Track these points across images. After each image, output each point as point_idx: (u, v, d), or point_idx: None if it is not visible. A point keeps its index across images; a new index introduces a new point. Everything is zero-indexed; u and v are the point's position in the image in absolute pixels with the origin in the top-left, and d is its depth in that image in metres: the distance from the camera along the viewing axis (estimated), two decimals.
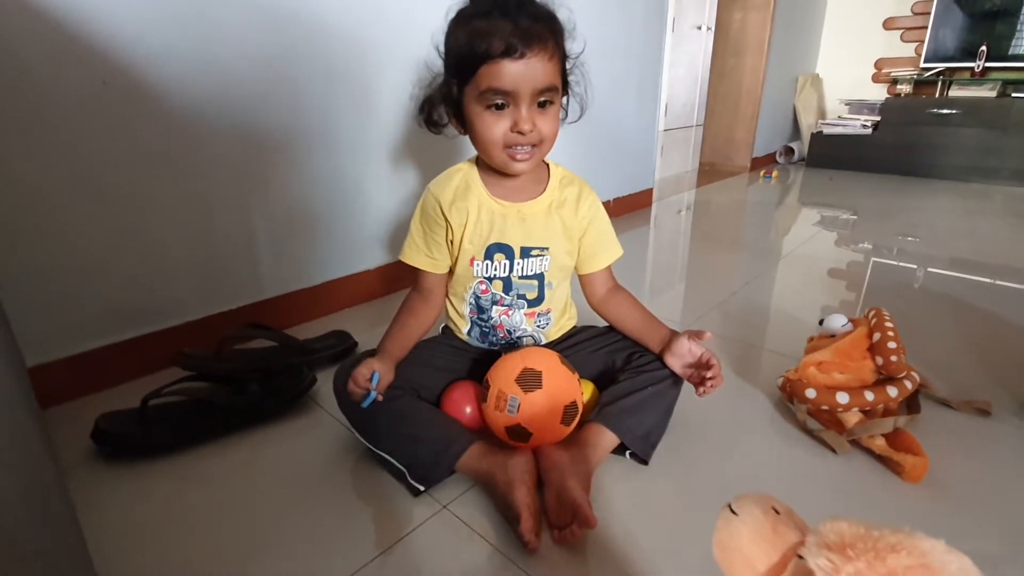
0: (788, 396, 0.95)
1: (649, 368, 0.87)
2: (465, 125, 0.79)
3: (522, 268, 0.87)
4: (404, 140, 1.42)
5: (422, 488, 0.76)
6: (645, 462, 0.82)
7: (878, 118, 3.50)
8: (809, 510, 0.41)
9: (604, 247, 0.92)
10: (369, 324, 1.31)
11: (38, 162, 0.90)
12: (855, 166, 3.52)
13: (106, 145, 0.96)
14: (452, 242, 0.87)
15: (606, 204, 0.92)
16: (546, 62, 0.72)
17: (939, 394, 0.99)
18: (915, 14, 3.57)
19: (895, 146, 3.40)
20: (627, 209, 2.41)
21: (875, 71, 3.82)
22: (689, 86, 3.46)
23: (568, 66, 0.79)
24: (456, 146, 1.47)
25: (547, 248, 0.87)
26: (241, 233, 1.18)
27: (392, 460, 0.78)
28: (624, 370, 0.89)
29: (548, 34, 0.72)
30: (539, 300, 0.90)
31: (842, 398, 0.87)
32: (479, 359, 0.94)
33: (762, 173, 3.40)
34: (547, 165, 0.89)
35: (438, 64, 0.79)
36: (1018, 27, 3.13)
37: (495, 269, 0.87)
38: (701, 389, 0.83)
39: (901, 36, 3.67)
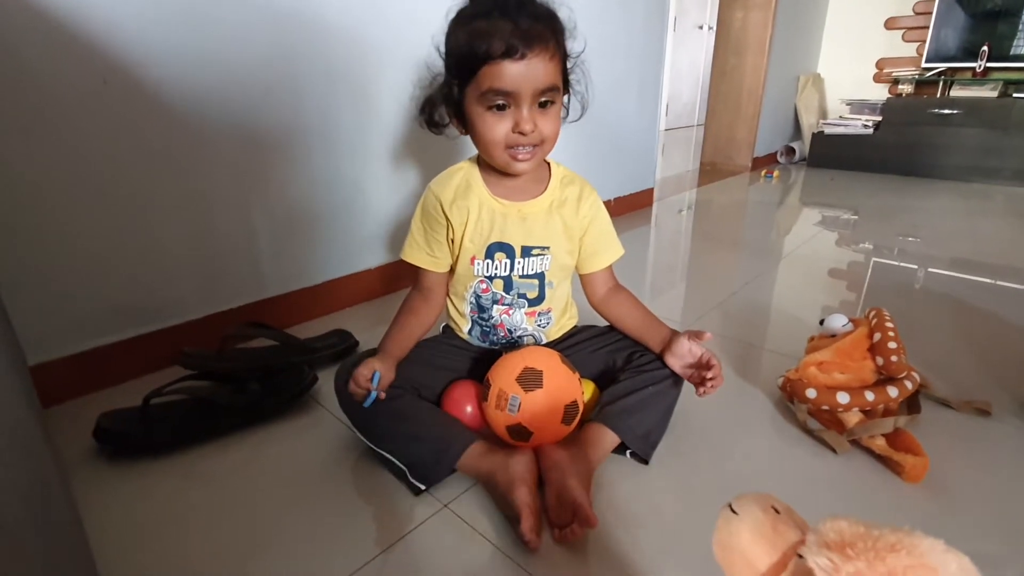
0: (788, 396, 0.95)
1: (650, 368, 0.87)
2: (466, 125, 0.79)
3: (523, 267, 0.87)
4: (404, 139, 1.42)
5: (423, 487, 0.76)
6: (646, 462, 0.82)
7: (879, 118, 3.50)
8: (809, 510, 0.41)
9: (605, 246, 0.92)
10: (370, 323, 1.31)
11: (39, 161, 0.90)
12: (856, 166, 3.52)
13: (107, 144, 0.96)
14: (453, 241, 0.87)
15: (607, 203, 0.92)
16: (547, 62, 0.72)
17: (939, 394, 0.99)
18: (916, 14, 3.57)
19: (896, 146, 3.39)
20: (628, 208, 2.41)
21: (876, 71, 3.82)
22: (690, 85, 3.46)
23: (569, 65, 0.78)
24: (456, 145, 1.47)
25: (548, 247, 0.87)
26: (242, 232, 1.18)
27: (393, 459, 0.78)
28: (625, 370, 0.89)
29: (549, 34, 0.72)
30: (540, 299, 0.90)
31: (842, 398, 0.87)
32: (480, 358, 0.94)
33: (763, 173, 3.39)
34: (548, 164, 0.89)
35: (439, 64, 0.79)
36: (1020, 27, 3.13)
37: (496, 268, 0.87)
38: (701, 389, 0.83)
39: (902, 36, 3.67)
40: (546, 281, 0.89)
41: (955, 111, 3.21)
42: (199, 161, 1.08)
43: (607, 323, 0.97)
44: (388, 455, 0.79)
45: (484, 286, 0.88)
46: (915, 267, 1.75)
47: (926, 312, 1.40)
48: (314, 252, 1.32)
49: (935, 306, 1.44)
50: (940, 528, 0.32)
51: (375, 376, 0.77)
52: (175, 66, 1.00)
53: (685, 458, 0.85)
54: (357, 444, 0.86)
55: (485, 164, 0.85)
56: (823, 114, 4.00)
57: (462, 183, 0.86)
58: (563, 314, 0.96)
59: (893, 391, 0.87)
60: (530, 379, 0.77)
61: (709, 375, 0.82)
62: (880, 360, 0.89)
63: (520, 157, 0.77)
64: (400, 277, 1.50)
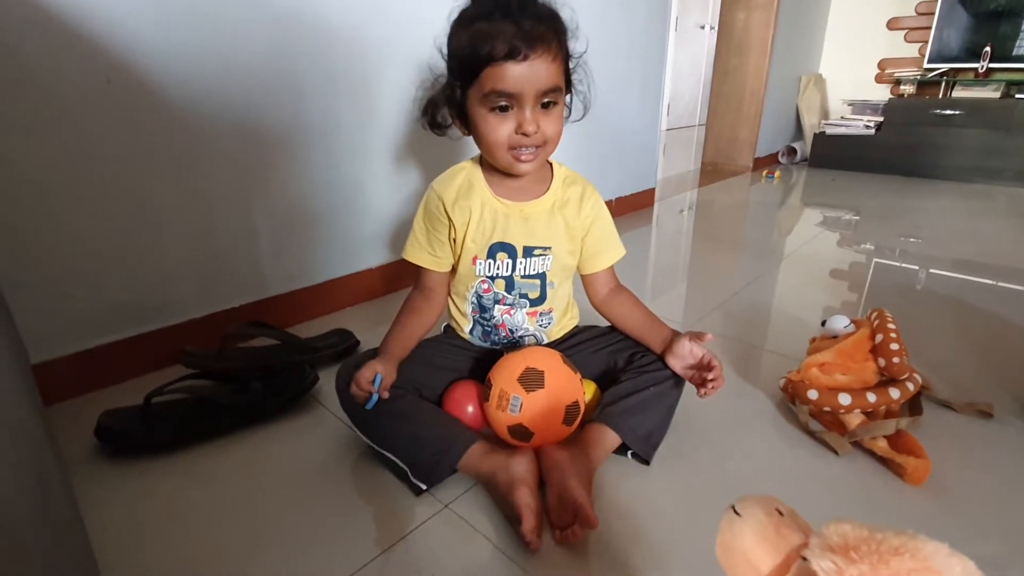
0: (790, 397, 0.95)
1: (651, 368, 0.87)
2: (469, 126, 0.79)
3: (525, 267, 0.87)
4: (405, 139, 1.42)
5: (424, 487, 0.76)
6: (647, 462, 0.82)
7: (881, 118, 3.50)
8: (811, 511, 0.41)
9: (607, 247, 0.92)
10: (371, 323, 1.31)
11: (41, 160, 0.90)
12: (858, 166, 3.52)
13: (109, 143, 0.96)
14: (455, 240, 0.87)
15: (608, 203, 0.92)
16: (549, 63, 0.71)
17: (941, 396, 0.99)
18: (919, 14, 3.56)
19: (898, 147, 3.39)
20: (629, 208, 2.41)
21: (878, 71, 3.82)
22: (692, 85, 3.45)
23: (571, 65, 0.78)
24: (457, 145, 1.47)
25: (549, 248, 0.87)
26: (243, 231, 1.18)
27: (394, 459, 0.78)
28: (626, 370, 0.89)
29: (551, 34, 0.71)
30: (541, 299, 0.90)
31: (844, 399, 0.87)
32: (481, 358, 0.94)
33: (764, 173, 3.39)
34: (550, 164, 0.89)
35: (441, 66, 0.79)
36: (1022, 28, 3.12)
37: (498, 268, 0.87)
38: (702, 391, 0.83)
39: (905, 36, 3.66)
40: (548, 281, 0.89)
41: (957, 112, 3.21)
42: (200, 160, 1.08)
43: (608, 323, 0.97)
44: (389, 455, 0.79)
45: (486, 286, 0.88)
46: (917, 268, 1.75)
47: (928, 313, 1.40)
48: (315, 251, 1.32)
49: (937, 307, 1.44)
50: (942, 530, 0.32)
51: (376, 378, 0.77)
52: (177, 65, 1.00)
53: (686, 459, 0.85)
54: (358, 444, 0.86)
55: (487, 164, 0.85)
56: (825, 114, 4.00)
57: (464, 183, 0.85)
58: (564, 314, 0.95)
59: (895, 393, 0.87)
60: (531, 379, 0.77)
61: (710, 376, 0.82)
62: (882, 361, 0.89)
63: (523, 158, 0.77)
64: (401, 276, 1.50)
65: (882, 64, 3.79)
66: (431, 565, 0.67)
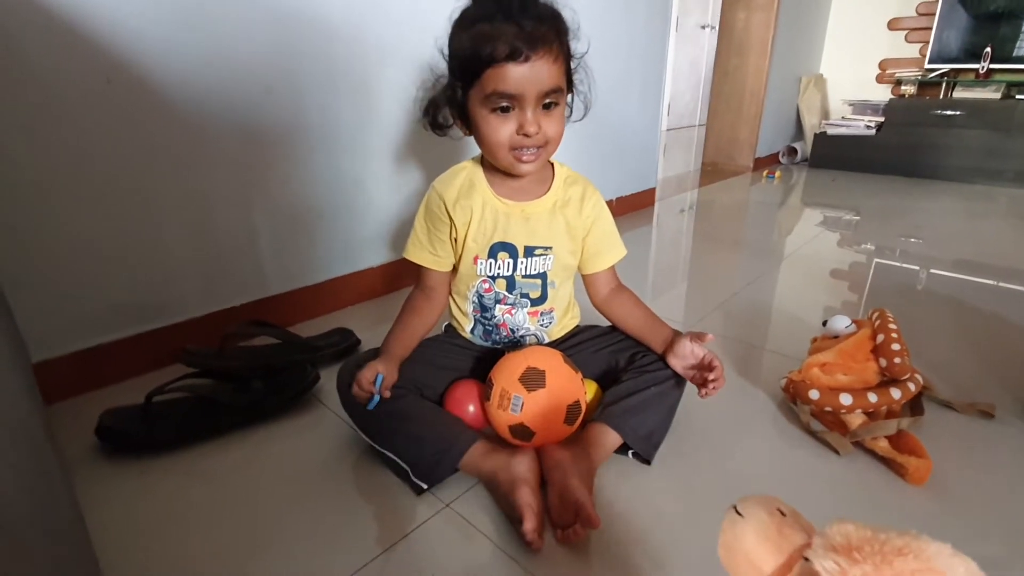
0: (791, 397, 0.95)
1: (652, 368, 0.87)
2: (470, 127, 0.79)
3: (526, 267, 0.87)
4: (406, 138, 1.42)
5: (425, 486, 0.76)
6: (648, 462, 0.82)
7: (882, 119, 3.50)
8: (812, 512, 0.41)
9: (608, 247, 0.92)
10: (372, 322, 1.31)
11: (42, 159, 0.90)
12: (858, 167, 3.52)
13: (110, 142, 0.96)
14: (456, 240, 0.87)
15: (608, 203, 0.92)
16: (551, 64, 0.71)
17: (942, 396, 0.99)
18: (920, 15, 3.56)
19: (898, 147, 3.39)
20: (629, 208, 2.41)
21: (879, 72, 3.82)
22: (692, 85, 3.45)
23: (573, 66, 0.78)
24: (458, 144, 1.47)
25: (550, 247, 0.87)
26: (244, 230, 1.18)
27: (395, 458, 0.78)
28: (627, 370, 0.89)
29: (553, 35, 0.71)
30: (542, 299, 0.90)
31: (845, 399, 0.87)
32: (482, 357, 0.94)
33: (765, 173, 3.39)
34: (551, 164, 0.89)
35: (441, 66, 0.78)
36: (1023, 29, 3.12)
37: (499, 268, 0.87)
38: (703, 391, 0.83)
39: (905, 37, 3.66)
40: (548, 281, 0.89)
41: (958, 112, 3.21)
42: (201, 159, 1.08)
43: (609, 323, 0.97)
44: (390, 454, 0.79)
45: (487, 286, 0.88)
46: (917, 268, 1.75)
47: (929, 313, 1.40)
48: (316, 250, 1.32)
49: (938, 307, 1.44)
50: (943, 530, 0.32)
51: (378, 379, 0.77)
52: (177, 65, 1.00)
53: (687, 459, 0.85)
54: (359, 443, 0.86)
55: (488, 164, 0.85)
56: (825, 115, 4.00)
57: (466, 182, 0.85)
58: (565, 314, 0.95)
59: (896, 393, 0.87)
60: (533, 379, 0.77)
61: (711, 376, 0.82)
62: (883, 362, 0.89)
63: (525, 159, 0.77)
64: (402, 276, 1.50)
65: (883, 64, 3.79)
66: (432, 564, 0.67)
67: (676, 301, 1.51)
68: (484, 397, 0.83)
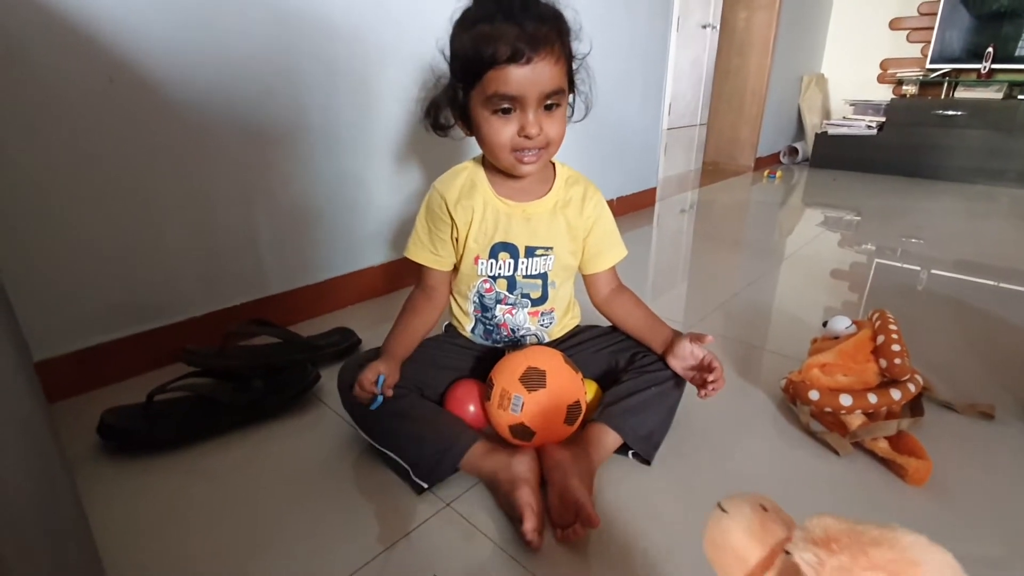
0: (791, 398, 0.95)
1: (652, 369, 0.87)
2: (471, 127, 0.79)
3: (526, 267, 0.87)
4: (407, 137, 1.42)
5: (425, 486, 0.76)
6: (648, 462, 0.83)
7: (883, 119, 3.49)
8: (811, 512, 0.40)
9: (608, 247, 0.92)
10: (373, 321, 1.31)
11: (44, 159, 0.90)
12: (859, 167, 3.51)
13: (112, 142, 0.96)
14: (457, 240, 0.87)
15: (609, 203, 0.92)
16: (552, 66, 0.71)
17: (942, 397, 0.99)
18: (921, 15, 3.56)
19: (900, 147, 3.39)
20: (630, 208, 2.41)
21: (880, 71, 3.81)
22: (693, 85, 3.45)
23: (574, 67, 0.78)
24: (460, 144, 1.47)
25: (551, 248, 0.87)
26: (245, 229, 1.18)
27: (396, 458, 0.78)
28: (627, 370, 0.89)
29: (554, 36, 0.71)
30: (543, 299, 0.90)
31: (845, 400, 0.87)
32: (482, 357, 0.94)
33: (766, 173, 3.39)
34: (553, 165, 0.89)
35: (442, 66, 0.78)
36: None
37: (500, 268, 0.87)
38: (703, 392, 0.83)
39: (907, 36, 3.66)
40: (549, 281, 0.89)
41: (959, 112, 3.20)
42: (202, 159, 1.08)
43: (609, 323, 0.97)
44: (391, 454, 0.79)
45: (487, 286, 0.88)
46: (918, 269, 1.75)
47: (929, 314, 1.40)
48: (317, 249, 1.33)
49: (938, 308, 1.44)
50: (943, 531, 0.33)
51: (379, 379, 0.77)
52: (179, 64, 1.01)
53: (687, 459, 0.85)
54: (359, 442, 0.86)
55: (489, 164, 0.85)
56: (826, 114, 4.00)
57: (467, 182, 0.85)
58: (566, 314, 0.96)
59: (896, 394, 0.87)
60: (533, 379, 0.78)
61: (711, 378, 0.82)
62: (883, 362, 0.89)
63: (526, 160, 0.77)
64: (403, 275, 1.50)
65: (884, 64, 3.79)
66: (432, 564, 0.67)
67: (676, 301, 1.51)
68: (484, 397, 0.83)
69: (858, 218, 2.45)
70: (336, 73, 1.24)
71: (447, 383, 0.91)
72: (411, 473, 0.77)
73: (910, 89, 3.58)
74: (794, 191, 3.08)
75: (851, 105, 3.74)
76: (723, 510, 0.41)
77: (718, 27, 3.42)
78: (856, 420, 0.88)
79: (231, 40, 1.06)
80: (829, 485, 0.80)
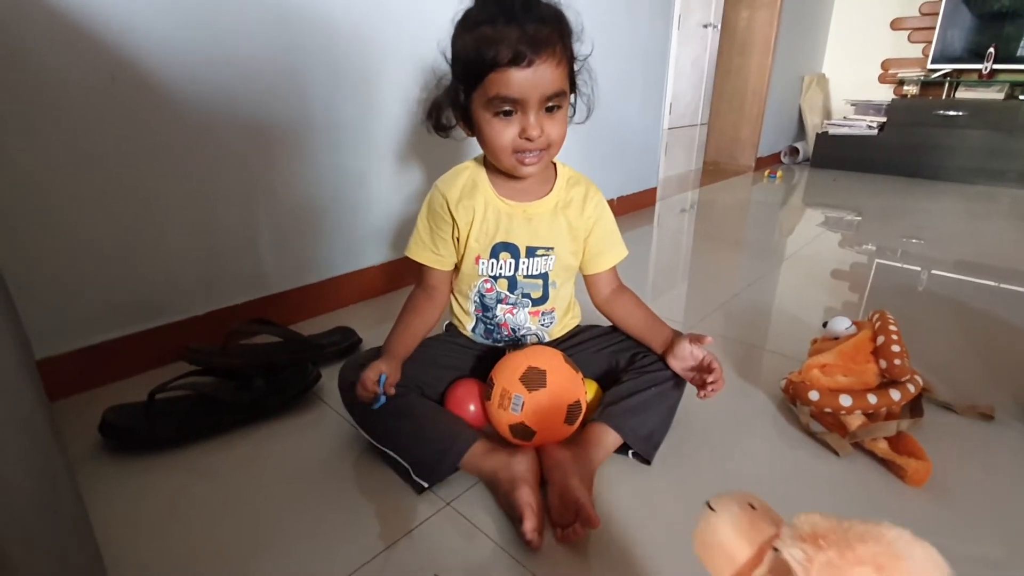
0: (791, 398, 0.95)
1: (652, 369, 0.87)
2: (473, 128, 0.79)
3: (527, 267, 0.87)
4: (408, 136, 1.42)
5: (426, 485, 0.77)
6: (648, 462, 0.83)
7: (884, 119, 3.49)
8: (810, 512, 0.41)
9: (609, 247, 0.92)
10: (373, 320, 1.31)
11: (45, 158, 0.91)
12: (860, 167, 3.51)
13: (114, 140, 0.97)
14: (458, 240, 0.87)
15: (609, 203, 0.92)
16: (554, 68, 0.71)
17: (942, 398, 0.99)
18: (923, 15, 3.55)
19: (901, 147, 3.38)
20: (630, 208, 2.41)
21: (882, 71, 3.81)
22: (694, 84, 3.45)
23: (576, 68, 0.78)
24: (461, 144, 1.47)
25: (552, 248, 0.87)
26: (246, 228, 1.18)
27: (396, 457, 0.79)
28: (627, 370, 0.89)
29: (556, 37, 0.71)
30: (543, 299, 0.90)
31: (845, 401, 0.87)
32: (483, 356, 0.94)
33: (766, 173, 3.39)
34: (554, 165, 0.89)
35: (444, 67, 0.79)
36: None
37: (500, 268, 0.87)
38: (702, 392, 0.83)
39: (908, 37, 3.66)
40: (550, 281, 0.89)
41: (960, 113, 3.20)
42: (204, 157, 1.08)
43: (610, 323, 0.97)
44: (391, 453, 0.79)
45: (488, 285, 0.89)
46: (919, 269, 1.75)
47: (929, 315, 1.40)
48: (318, 249, 1.33)
49: (938, 309, 1.44)
50: (942, 531, 0.33)
51: (381, 379, 0.77)
52: (181, 63, 1.01)
53: (687, 459, 0.85)
54: (360, 441, 0.86)
55: (491, 164, 0.85)
56: (827, 114, 3.99)
57: (468, 182, 0.86)
58: (566, 313, 0.96)
59: (896, 394, 0.87)
60: (533, 378, 0.78)
61: (710, 379, 0.82)
62: (883, 363, 0.89)
63: (527, 161, 0.77)
64: (403, 274, 1.50)
65: (885, 64, 3.78)
66: (433, 563, 0.67)
67: (677, 301, 1.51)
68: (485, 396, 0.83)
69: (859, 218, 2.45)
70: (338, 72, 1.24)
71: (447, 382, 0.91)
72: (411, 472, 0.77)
73: (911, 89, 3.57)
74: (795, 191, 3.08)
75: (852, 105, 3.73)
76: (711, 509, 0.42)
77: (719, 26, 3.42)
78: (856, 421, 0.88)
79: (233, 39, 1.06)
80: (829, 485, 0.80)
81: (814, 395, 0.89)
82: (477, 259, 0.87)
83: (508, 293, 0.89)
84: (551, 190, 0.87)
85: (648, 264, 1.85)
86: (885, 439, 0.84)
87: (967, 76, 3.38)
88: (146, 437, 0.85)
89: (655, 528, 0.72)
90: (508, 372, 0.80)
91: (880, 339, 0.91)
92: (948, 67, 3.39)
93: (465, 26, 0.73)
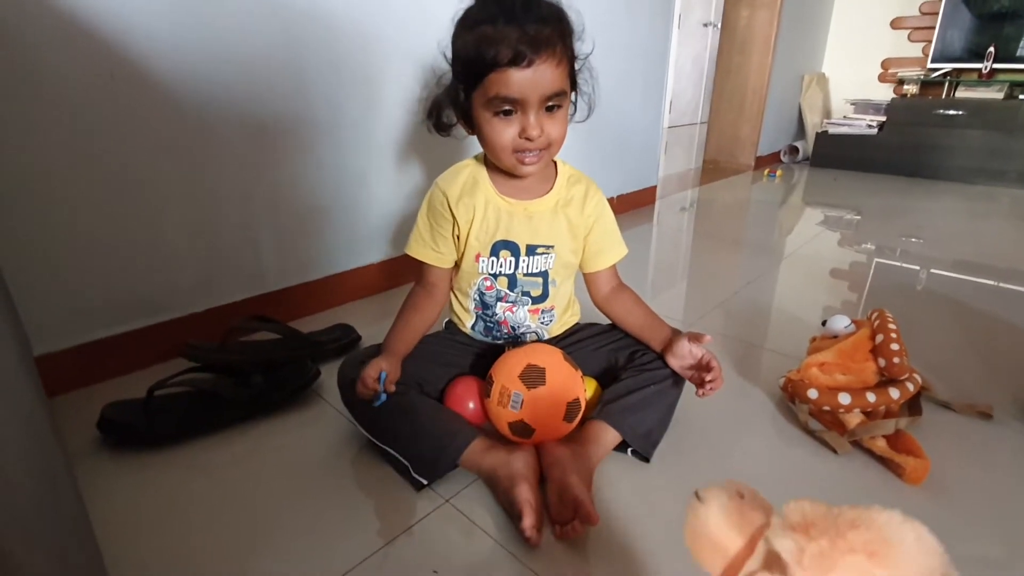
0: (790, 396, 0.95)
1: (651, 367, 0.87)
2: (473, 127, 0.79)
3: (527, 265, 0.87)
4: (409, 134, 1.42)
5: (425, 482, 0.77)
6: (647, 460, 0.83)
7: (883, 118, 3.49)
8: None
9: (609, 245, 0.92)
10: (373, 318, 1.31)
11: (45, 155, 0.90)
12: (860, 166, 3.51)
13: (114, 137, 0.96)
14: (459, 238, 0.87)
15: (609, 201, 0.92)
16: (554, 68, 0.71)
17: (941, 396, 0.99)
18: (923, 14, 3.55)
19: (900, 147, 3.38)
20: (630, 206, 2.41)
21: (881, 71, 3.81)
22: (694, 83, 3.44)
23: (577, 67, 0.78)
24: (462, 142, 1.47)
25: (552, 246, 0.87)
26: (246, 225, 1.18)
27: (395, 454, 0.79)
28: (627, 368, 0.89)
29: (556, 37, 0.71)
30: (543, 297, 0.90)
31: (844, 399, 0.87)
32: (482, 354, 0.94)
33: (766, 172, 3.39)
34: (554, 163, 0.89)
35: (444, 66, 0.78)
36: None
37: (501, 266, 0.87)
38: (701, 391, 0.83)
39: (908, 36, 3.66)
40: (550, 279, 0.89)
41: (960, 112, 3.20)
42: (204, 154, 1.08)
43: (609, 321, 0.97)
44: (390, 450, 0.79)
45: (488, 283, 0.89)
46: (918, 268, 1.75)
47: (928, 314, 1.40)
48: (318, 246, 1.33)
49: (937, 308, 1.44)
50: (940, 530, 0.33)
51: (381, 376, 0.77)
52: (181, 59, 1.00)
53: (686, 457, 0.85)
54: (359, 438, 0.86)
55: (491, 162, 0.85)
56: (827, 114, 3.99)
57: (469, 180, 0.86)
58: (566, 311, 0.96)
59: (895, 393, 0.88)
60: (533, 376, 0.78)
61: (709, 377, 0.82)
62: (882, 362, 0.89)
63: (527, 161, 0.77)
64: (403, 272, 1.50)
65: (885, 64, 3.78)
66: (432, 560, 0.67)
67: (676, 299, 1.51)
68: (484, 394, 0.83)
69: (858, 217, 2.45)
70: (339, 70, 1.24)
71: (447, 380, 0.91)
72: (411, 469, 0.77)
73: (911, 89, 3.57)
74: (794, 190, 3.08)
75: (852, 104, 3.73)
76: (699, 499, 0.41)
77: (719, 25, 3.41)
78: (854, 419, 0.88)
79: (233, 36, 1.06)
80: (827, 483, 0.81)
81: (813, 393, 0.89)
82: (477, 257, 0.87)
83: (508, 291, 0.89)
84: (551, 188, 0.87)
85: (648, 262, 1.85)
86: (884, 437, 0.84)
87: (967, 76, 3.38)
88: (145, 433, 0.85)
89: (654, 525, 0.72)
90: (507, 369, 0.80)
91: (879, 338, 0.91)
92: (948, 67, 3.39)
93: (465, 25, 0.73)
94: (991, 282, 1.64)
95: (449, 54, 0.76)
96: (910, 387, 0.89)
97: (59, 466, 0.44)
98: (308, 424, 0.93)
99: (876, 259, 1.85)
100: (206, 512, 0.74)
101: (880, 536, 0.31)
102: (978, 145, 3.17)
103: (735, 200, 2.83)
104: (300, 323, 1.27)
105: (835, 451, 0.85)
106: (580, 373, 0.83)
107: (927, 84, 3.52)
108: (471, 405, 0.87)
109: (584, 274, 0.95)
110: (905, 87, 3.61)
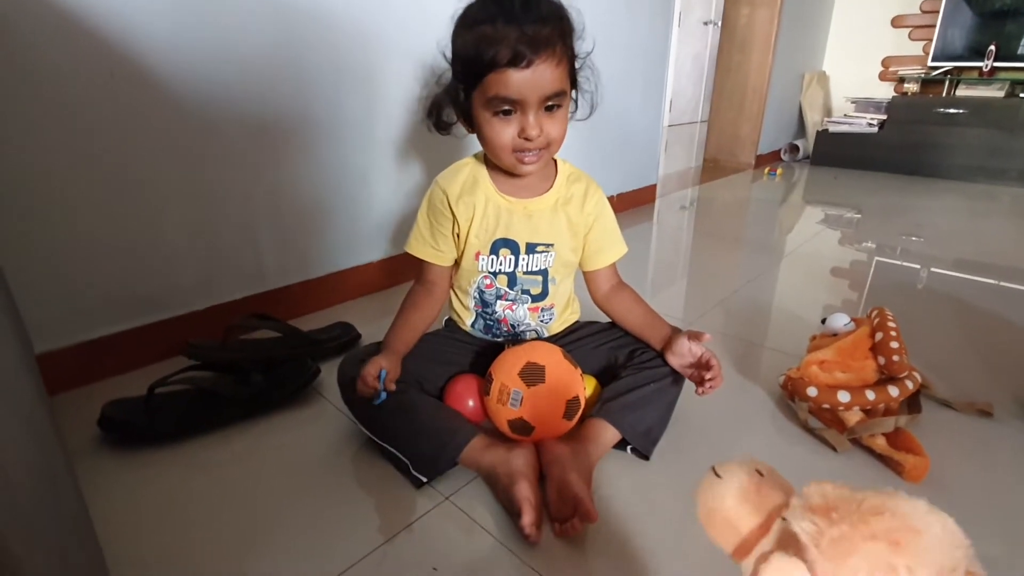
0: (789, 394, 0.95)
1: (651, 365, 0.87)
2: (473, 126, 0.79)
3: (527, 264, 0.87)
4: (409, 133, 1.42)
5: (425, 480, 0.77)
6: (646, 458, 0.83)
7: (884, 117, 3.49)
8: None
9: (609, 244, 0.92)
10: (373, 316, 1.31)
11: (45, 153, 0.90)
12: (860, 165, 3.51)
13: (114, 136, 0.96)
14: (458, 236, 0.87)
15: (609, 199, 0.92)
16: (554, 68, 0.71)
17: (940, 395, 0.99)
18: (924, 12, 3.55)
19: (901, 145, 3.38)
20: (630, 205, 2.41)
21: (882, 69, 3.80)
22: (694, 81, 3.44)
23: (577, 66, 0.78)
24: (462, 140, 1.46)
25: (552, 244, 0.87)
26: (246, 223, 1.18)
27: (395, 452, 0.79)
28: (626, 366, 0.89)
29: (556, 37, 0.71)
30: (543, 295, 0.90)
31: (843, 397, 0.87)
32: (482, 352, 0.94)
33: (766, 170, 3.39)
34: (554, 162, 0.89)
35: (443, 65, 0.78)
36: None
37: (500, 264, 0.87)
38: (700, 389, 0.83)
39: (909, 34, 3.65)
40: (550, 278, 0.89)
41: (961, 111, 3.20)
42: (204, 153, 1.08)
43: (609, 319, 0.97)
44: (390, 448, 0.79)
45: (488, 281, 0.89)
46: (918, 267, 1.75)
47: (928, 312, 1.40)
48: (318, 244, 1.33)
49: (937, 306, 1.44)
50: None
51: (381, 374, 0.77)
52: (181, 58, 1.00)
53: (685, 455, 0.86)
54: (359, 436, 0.86)
55: (491, 161, 0.85)
56: (828, 112, 3.99)
57: (469, 178, 0.86)
58: (565, 309, 0.96)
59: (894, 391, 0.88)
60: (532, 374, 0.78)
61: (708, 375, 0.82)
62: (882, 359, 0.89)
63: (527, 160, 0.77)
64: (403, 270, 1.50)
65: (886, 62, 3.78)
66: (431, 557, 0.67)
67: (676, 298, 1.51)
68: (484, 392, 0.83)
69: (858, 216, 2.45)
70: (340, 69, 1.24)
71: (447, 378, 0.91)
72: (410, 467, 0.77)
73: (911, 87, 3.57)
74: (795, 189, 3.08)
75: (852, 103, 3.73)
76: (717, 476, 0.40)
77: (719, 24, 3.40)
78: (854, 417, 0.88)
79: (234, 33, 1.06)
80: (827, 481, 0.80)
81: (812, 391, 0.89)
82: (477, 255, 0.87)
83: (508, 289, 0.89)
84: (551, 187, 0.87)
85: (648, 261, 1.85)
86: (883, 435, 0.84)
87: (968, 74, 3.38)
88: (145, 431, 0.85)
89: (653, 523, 0.72)
90: (507, 367, 0.80)
91: (879, 336, 0.91)
92: (949, 65, 3.38)
93: (464, 25, 0.72)
94: (991, 281, 1.64)
95: (448, 53, 0.76)
96: (909, 385, 0.89)
97: (59, 464, 0.44)
98: (308, 422, 0.93)
99: (876, 257, 1.85)
100: (206, 510, 0.74)
101: (905, 524, 0.30)
102: (979, 143, 3.16)
103: (735, 199, 2.83)
104: (300, 321, 1.27)
105: (835, 449, 0.85)
106: (580, 371, 0.83)
107: (928, 82, 3.52)
108: (471, 403, 0.87)
109: (584, 272, 0.95)
110: (906, 85, 3.61)
